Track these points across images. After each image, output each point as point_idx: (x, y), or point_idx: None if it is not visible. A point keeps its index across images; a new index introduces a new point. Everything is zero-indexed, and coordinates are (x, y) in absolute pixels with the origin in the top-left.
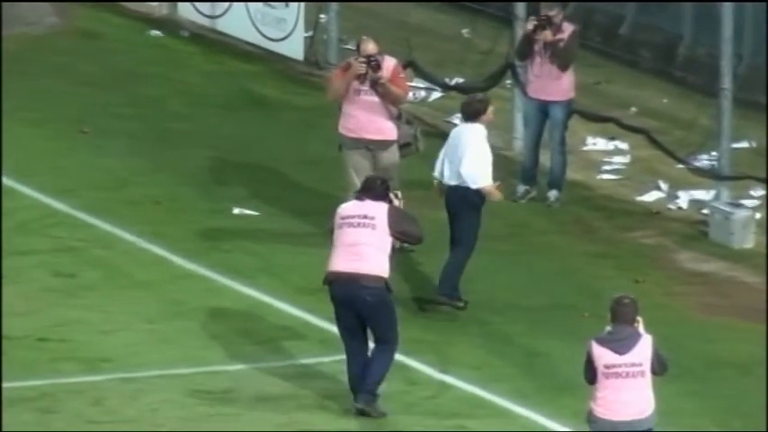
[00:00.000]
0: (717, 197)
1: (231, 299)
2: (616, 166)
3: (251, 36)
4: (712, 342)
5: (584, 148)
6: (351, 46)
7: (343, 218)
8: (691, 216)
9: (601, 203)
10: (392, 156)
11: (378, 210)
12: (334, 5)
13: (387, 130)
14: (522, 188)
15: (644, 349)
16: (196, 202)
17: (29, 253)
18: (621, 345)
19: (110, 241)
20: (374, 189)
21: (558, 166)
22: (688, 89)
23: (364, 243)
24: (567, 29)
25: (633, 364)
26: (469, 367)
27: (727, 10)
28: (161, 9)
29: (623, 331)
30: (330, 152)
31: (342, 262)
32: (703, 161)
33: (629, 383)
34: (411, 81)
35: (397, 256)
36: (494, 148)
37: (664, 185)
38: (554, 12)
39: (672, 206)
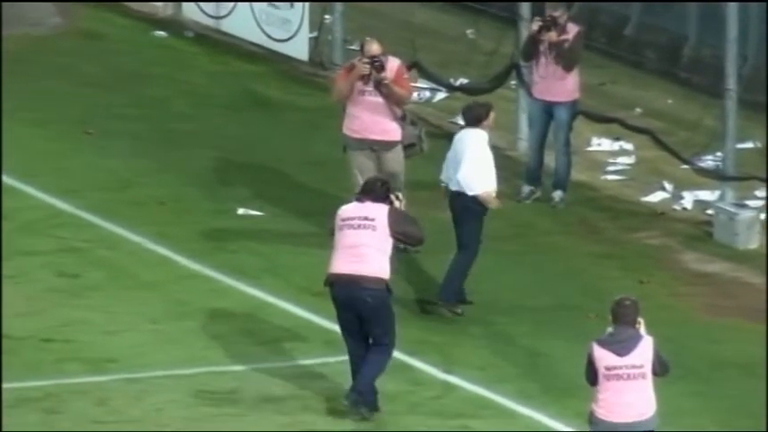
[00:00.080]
0: (722, 198)
1: (236, 299)
2: (621, 167)
3: (255, 37)
4: (717, 343)
5: (589, 149)
6: (355, 47)
7: (343, 219)
8: (695, 217)
9: (605, 204)
10: (397, 156)
11: (378, 211)
12: (338, 6)
13: (391, 130)
14: (526, 189)
15: (645, 351)
16: (200, 202)
17: (33, 253)
18: (622, 347)
19: (114, 242)
20: (374, 191)
21: (562, 167)
22: (693, 90)
23: (365, 245)
24: (572, 30)
25: (634, 366)
26: (474, 368)
27: (732, 10)
28: (165, 9)
29: (624, 333)
30: (334, 153)
31: (342, 264)
32: (708, 162)
33: (630, 385)
34: (416, 82)
35: (400, 256)
36: (498, 149)
37: (668, 186)
38: (559, 12)
39: (677, 207)
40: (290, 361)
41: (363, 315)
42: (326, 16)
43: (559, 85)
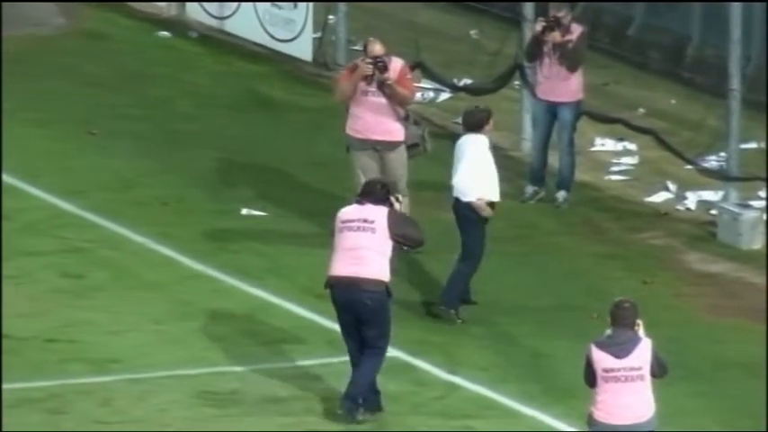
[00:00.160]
0: (725, 198)
1: (239, 300)
2: (624, 167)
3: (259, 37)
4: (720, 343)
5: (593, 149)
6: (359, 47)
7: (343, 222)
8: (699, 217)
9: (609, 204)
10: (400, 157)
11: (378, 213)
12: (342, 6)
13: (394, 131)
14: (530, 189)
15: (643, 353)
16: (204, 202)
17: (37, 254)
18: (620, 349)
19: (117, 242)
20: (374, 193)
21: (566, 167)
22: (696, 90)
23: (364, 247)
24: (576, 30)
25: (632, 368)
26: (477, 368)
27: (736, 11)
28: (169, 10)
29: (622, 335)
30: (338, 153)
31: (342, 266)
32: (712, 162)
33: (628, 387)
34: (419, 82)
35: (401, 258)
36: (502, 149)
37: (672, 186)
38: (562, 13)
39: (680, 207)
40: (293, 362)
41: (362, 317)
42: (330, 16)
43: (563, 86)
